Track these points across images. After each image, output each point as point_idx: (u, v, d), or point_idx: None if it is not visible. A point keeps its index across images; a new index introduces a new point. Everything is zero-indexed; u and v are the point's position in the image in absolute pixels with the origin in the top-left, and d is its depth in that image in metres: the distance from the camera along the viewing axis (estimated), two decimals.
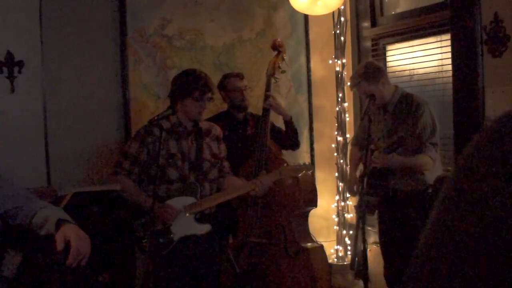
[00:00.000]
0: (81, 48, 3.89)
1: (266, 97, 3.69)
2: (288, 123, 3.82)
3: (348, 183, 3.79)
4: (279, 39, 3.85)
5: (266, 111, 3.68)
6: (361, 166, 3.38)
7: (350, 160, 3.92)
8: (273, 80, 3.74)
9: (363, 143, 3.58)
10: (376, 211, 3.56)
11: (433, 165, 3.33)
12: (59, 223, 2.04)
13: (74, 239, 1.99)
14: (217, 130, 3.37)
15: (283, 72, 3.81)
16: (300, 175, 3.42)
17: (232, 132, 3.71)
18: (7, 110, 3.49)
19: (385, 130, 3.46)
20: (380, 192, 3.38)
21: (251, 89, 4.18)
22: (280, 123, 3.91)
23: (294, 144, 3.92)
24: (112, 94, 4.03)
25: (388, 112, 3.47)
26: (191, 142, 3.21)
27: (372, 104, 3.41)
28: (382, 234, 3.61)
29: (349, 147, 4.48)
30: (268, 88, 3.73)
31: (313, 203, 3.68)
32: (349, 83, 4.55)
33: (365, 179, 3.24)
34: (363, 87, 3.43)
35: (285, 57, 3.80)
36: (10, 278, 2.08)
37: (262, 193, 3.30)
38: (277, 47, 3.79)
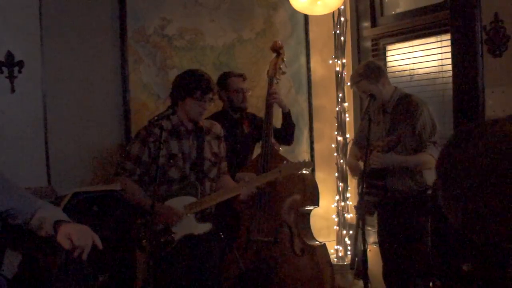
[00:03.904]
0: (81, 48, 3.89)
1: (271, 93, 3.72)
2: (287, 115, 3.85)
3: (350, 166, 3.77)
4: (279, 41, 3.86)
5: (270, 107, 3.71)
6: (361, 166, 3.38)
7: (349, 156, 3.91)
8: (274, 81, 3.77)
9: (362, 143, 3.57)
10: (376, 211, 3.55)
11: (435, 163, 3.31)
12: (56, 224, 2.04)
13: (75, 235, 2.00)
14: (218, 128, 3.37)
15: (284, 73, 3.85)
16: (299, 172, 3.42)
17: (229, 132, 3.72)
18: (7, 110, 3.49)
19: (384, 130, 3.46)
20: (379, 192, 3.37)
21: (251, 89, 4.18)
22: (278, 118, 3.93)
23: (289, 139, 3.94)
24: (112, 94, 4.03)
25: (387, 112, 3.47)
26: (192, 141, 3.21)
27: (372, 104, 3.41)
28: (381, 234, 3.61)
29: (349, 147, 4.49)
30: (270, 88, 3.76)
31: (316, 202, 3.69)
32: (349, 83, 4.56)
33: (364, 179, 3.23)
34: (362, 86, 3.43)
35: (284, 59, 3.82)
36: (10, 278, 2.09)
37: (248, 195, 3.29)
38: (277, 49, 3.81)
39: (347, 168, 4.30)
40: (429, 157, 3.29)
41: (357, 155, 3.68)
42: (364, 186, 3.12)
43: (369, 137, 3.15)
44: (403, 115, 3.37)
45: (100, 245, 2.03)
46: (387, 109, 3.46)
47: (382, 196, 3.39)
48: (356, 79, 3.46)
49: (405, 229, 3.35)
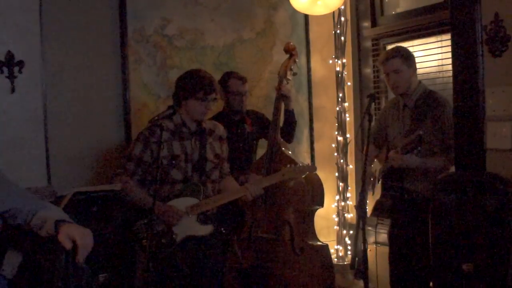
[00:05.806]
0: (81, 48, 3.89)
1: (281, 87, 3.74)
2: (290, 113, 3.87)
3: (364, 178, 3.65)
4: (291, 43, 3.89)
5: (278, 100, 3.73)
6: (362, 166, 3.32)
7: (365, 156, 3.84)
8: (285, 82, 3.79)
9: (378, 141, 3.51)
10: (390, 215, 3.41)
11: (450, 168, 3.18)
12: (58, 224, 2.04)
13: (79, 236, 2.00)
14: (220, 129, 3.37)
15: (295, 74, 3.88)
16: (303, 176, 3.42)
17: (231, 131, 3.72)
18: (7, 110, 3.49)
19: (404, 127, 3.32)
20: (396, 194, 3.24)
21: (251, 89, 4.19)
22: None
23: (290, 135, 3.96)
24: (112, 94, 4.03)
25: (408, 108, 3.33)
26: (195, 142, 3.21)
27: (389, 99, 3.29)
28: (393, 238, 3.46)
29: (349, 147, 4.49)
30: (279, 87, 3.78)
31: (320, 202, 3.69)
32: (349, 83, 4.55)
33: (380, 180, 3.12)
34: (395, 63, 3.29)
35: (296, 60, 3.84)
36: (10, 278, 2.09)
37: (253, 197, 3.29)
38: (290, 51, 3.84)
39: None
40: (447, 162, 3.17)
41: (372, 154, 3.56)
42: (382, 186, 3.00)
43: (369, 137, 3.08)
44: (426, 113, 3.22)
45: (88, 251, 2.03)
46: (408, 104, 3.32)
47: (399, 199, 3.26)
48: (390, 55, 3.32)
49: (420, 235, 3.12)
